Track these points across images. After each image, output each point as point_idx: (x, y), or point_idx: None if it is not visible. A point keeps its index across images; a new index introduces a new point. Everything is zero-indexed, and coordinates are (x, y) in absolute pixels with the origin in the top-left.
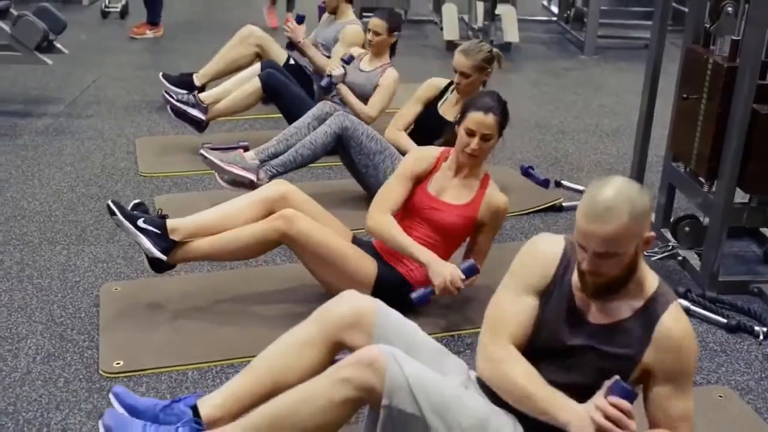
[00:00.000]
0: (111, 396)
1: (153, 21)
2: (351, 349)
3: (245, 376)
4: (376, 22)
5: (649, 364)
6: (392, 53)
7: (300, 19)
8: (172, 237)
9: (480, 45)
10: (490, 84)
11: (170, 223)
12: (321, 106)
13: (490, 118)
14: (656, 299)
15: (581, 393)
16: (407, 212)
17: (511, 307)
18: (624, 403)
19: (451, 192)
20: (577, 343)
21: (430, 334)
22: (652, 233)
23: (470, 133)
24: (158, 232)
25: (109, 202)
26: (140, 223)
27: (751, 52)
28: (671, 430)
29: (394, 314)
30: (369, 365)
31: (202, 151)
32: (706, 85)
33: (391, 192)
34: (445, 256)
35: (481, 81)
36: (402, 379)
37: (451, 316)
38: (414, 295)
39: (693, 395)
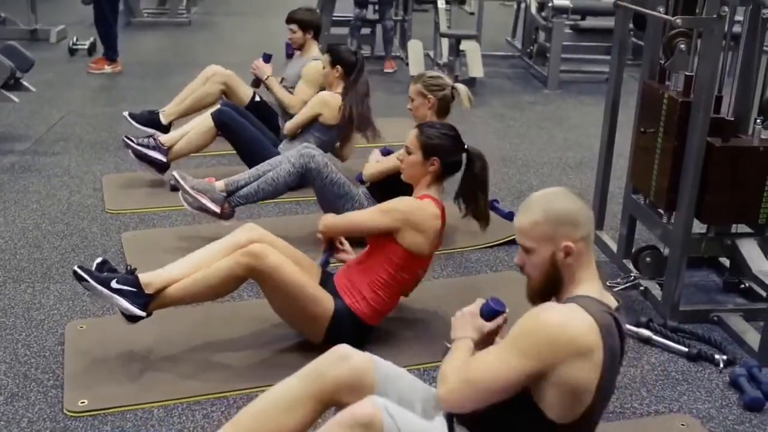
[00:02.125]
0: None
1: (111, 57)
2: (343, 407)
3: None
4: (324, 58)
5: None
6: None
7: (267, 58)
8: (147, 291)
9: (428, 72)
10: (457, 118)
11: (143, 277)
12: (302, 152)
13: (413, 133)
14: (567, 300)
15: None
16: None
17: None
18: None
19: None
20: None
21: (408, 367)
22: (570, 244)
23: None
24: (134, 290)
25: (76, 269)
26: (114, 284)
27: (704, 87)
28: (454, 366)
29: (387, 366)
30: (366, 426)
31: (175, 173)
32: (662, 119)
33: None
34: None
35: (427, 108)
36: None
37: (415, 349)
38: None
39: (501, 366)
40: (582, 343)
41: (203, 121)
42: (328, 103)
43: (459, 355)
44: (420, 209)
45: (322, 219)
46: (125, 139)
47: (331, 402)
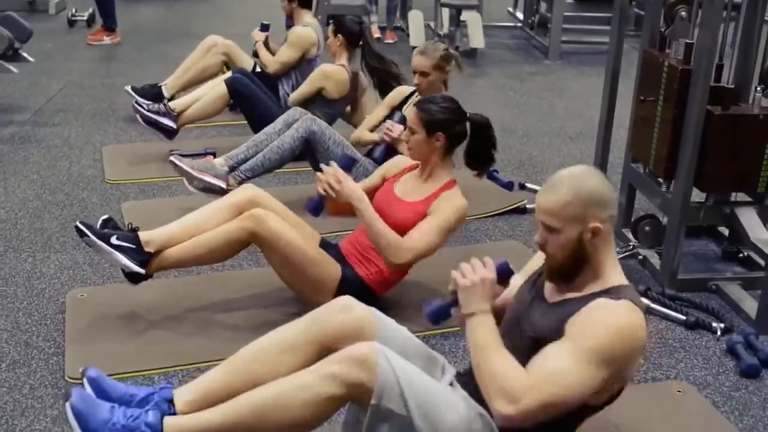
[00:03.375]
0: (84, 380)
1: (109, 27)
2: None
3: (225, 372)
4: (329, 27)
5: (566, 328)
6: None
7: (264, 27)
8: (146, 249)
9: (436, 44)
10: (458, 89)
11: (143, 235)
12: (291, 113)
13: (413, 112)
14: (611, 291)
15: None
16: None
17: None
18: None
19: (412, 193)
20: (521, 315)
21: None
22: (599, 225)
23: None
24: (133, 246)
25: (78, 224)
26: (114, 240)
27: (704, 55)
28: (522, 381)
29: (389, 321)
30: (360, 363)
31: (172, 158)
32: (662, 87)
33: (365, 183)
34: None
35: (442, 81)
36: (392, 378)
37: (419, 318)
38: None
39: (582, 381)
40: (644, 339)
41: (216, 88)
42: (330, 76)
43: (502, 353)
44: (458, 210)
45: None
46: (135, 104)
47: (330, 348)
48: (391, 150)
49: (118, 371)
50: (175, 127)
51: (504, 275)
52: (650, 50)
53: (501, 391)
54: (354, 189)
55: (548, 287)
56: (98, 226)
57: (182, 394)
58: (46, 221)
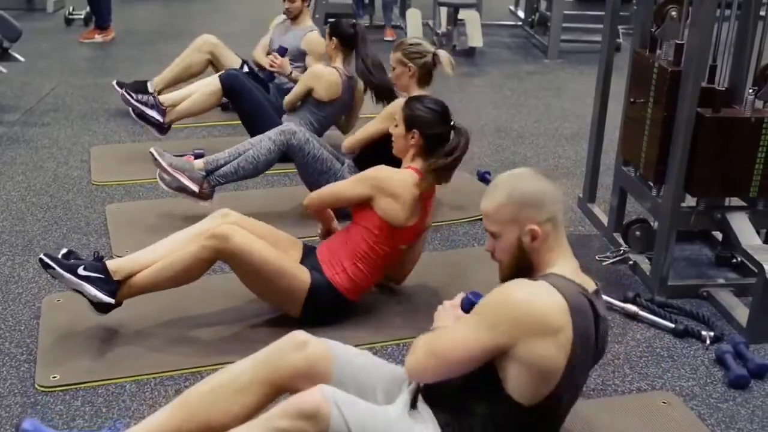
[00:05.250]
0: None
1: (101, 25)
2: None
3: (174, 414)
4: (326, 30)
5: None
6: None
7: (282, 51)
8: (115, 278)
9: (408, 39)
10: (455, 88)
11: (110, 264)
12: (283, 128)
13: (399, 105)
14: (536, 276)
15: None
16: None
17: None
18: None
19: None
20: None
21: (374, 344)
22: (535, 227)
23: None
24: (101, 276)
25: (42, 257)
26: (81, 271)
27: (694, 57)
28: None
29: (347, 352)
30: (311, 417)
31: (152, 150)
32: (652, 89)
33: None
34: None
35: (408, 77)
36: (344, 428)
37: (395, 326)
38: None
39: (465, 337)
40: (548, 322)
41: (210, 83)
42: (320, 78)
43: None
44: (396, 176)
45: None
46: (125, 93)
47: (284, 389)
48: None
49: (89, 379)
50: (162, 120)
51: (468, 306)
52: (641, 51)
53: (411, 348)
54: None
55: None
56: (60, 257)
57: None
58: (29, 224)
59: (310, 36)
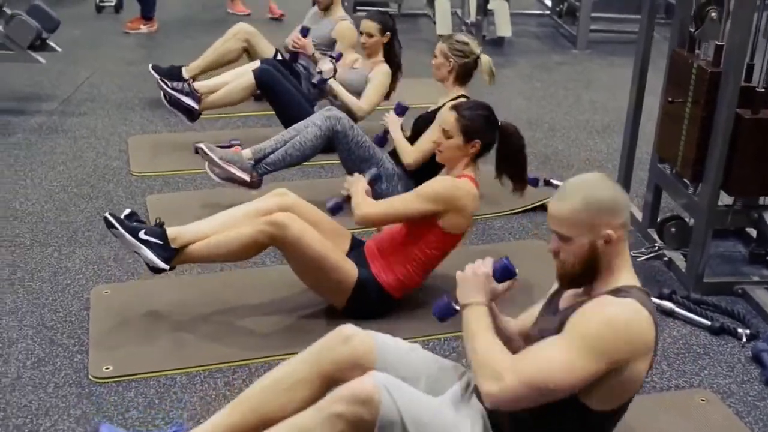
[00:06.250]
0: None
1: (147, 16)
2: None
3: (232, 412)
4: (368, 25)
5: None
6: (391, 54)
7: (305, 32)
8: (173, 245)
9: (460, 36)
10: (481, 79)
11: (170, 231)
12: (325, 111)
13: (452, 116)
14: (619, 290)
15: None
16: None
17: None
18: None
19: None
20: (533, 332)
21: (415, 339)
22: (611, 232)
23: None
24: (160, 242)
25: (107, 215)
26: (142, 234)
27: (734, 58)
28: (507, 361)
29: (392, 344)
30: (364, 402)
31: (201, 145)
32: (690, 89)
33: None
34: (415, 240)
35: (447, 70)
36: (395, 415)
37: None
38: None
39: (571, 370)
40: (647, 341)
41: (244, 77)
42: (389, 76)
43: (490, 338)
44: (463, 190)
45: (358, 205)
46: (160, 81)
47: (333, 381)
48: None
49: (141, 371)
50: (197, 107)
51: (503, 273)
52: (679, 51)
53: (487, 370)
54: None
55: (563, 299)
56: (123, 217)
57: None
58: (72, 214)
59: (342, 25)
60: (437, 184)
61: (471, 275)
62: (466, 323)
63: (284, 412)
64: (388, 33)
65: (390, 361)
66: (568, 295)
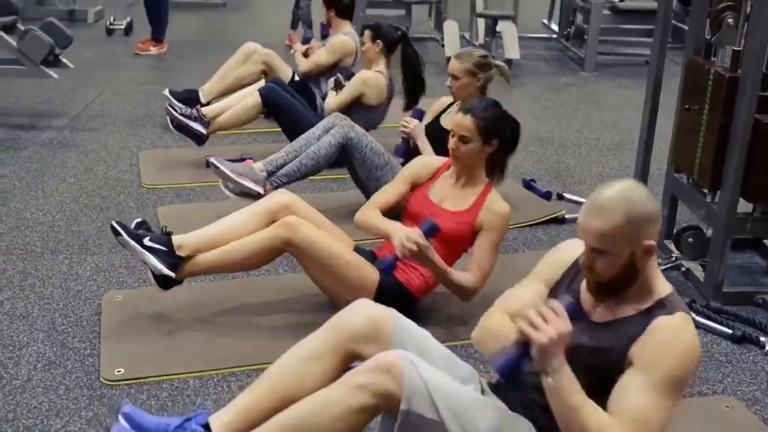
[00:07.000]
0: (120, 416)
1: (157, 37)
2: (365, 359)
3: (256, 390)
4: (366, 34)
5: (633, 354)
6: (404, 64)
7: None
8: (178, 253)
9: (473, 50)
10: (493, 96)
11: (176, 239)
12: (331, 119)
13: (467, 120)
14: (663, 304)
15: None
16: (409, 219)
17: (520, 291)
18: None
19: (451, 200)
20: (570, 342)
21: (445, 343)
22: (652, 242)
23: (451, 133)
24: (165, 249)
25: (113, 223)
26: (146, 241)
27: (752, 63)
28: (615, 424)
29: (409, 323)
30: (387, 371)
31: (212, 159)
32: (707, 96)
33: (385, 192)
34: (449, 263)
35: (475, 87)
36: (420, 383)
37: (456, 325)
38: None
39: (670, 412)
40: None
41: (250, 97)
42: (368, 83)
43: (592, 410)
44: (507, 219)
45: (406, 235)
46: (168, 107)
47: (351, 354)
48: (409, 146)
49: (153, 374)
50: (205, 133)
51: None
52: (695, 58)
53: None
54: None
55: (591, 304)
56: (132, 227)
57: (218, 418)
58: (83, 224)
59: (339, 36)
60: (505, 223)
61: (555, 339)
62: (559, 392)
63: (308, 386)
64: (379, 41)
65: (407, 338)
66: (594, 303)
